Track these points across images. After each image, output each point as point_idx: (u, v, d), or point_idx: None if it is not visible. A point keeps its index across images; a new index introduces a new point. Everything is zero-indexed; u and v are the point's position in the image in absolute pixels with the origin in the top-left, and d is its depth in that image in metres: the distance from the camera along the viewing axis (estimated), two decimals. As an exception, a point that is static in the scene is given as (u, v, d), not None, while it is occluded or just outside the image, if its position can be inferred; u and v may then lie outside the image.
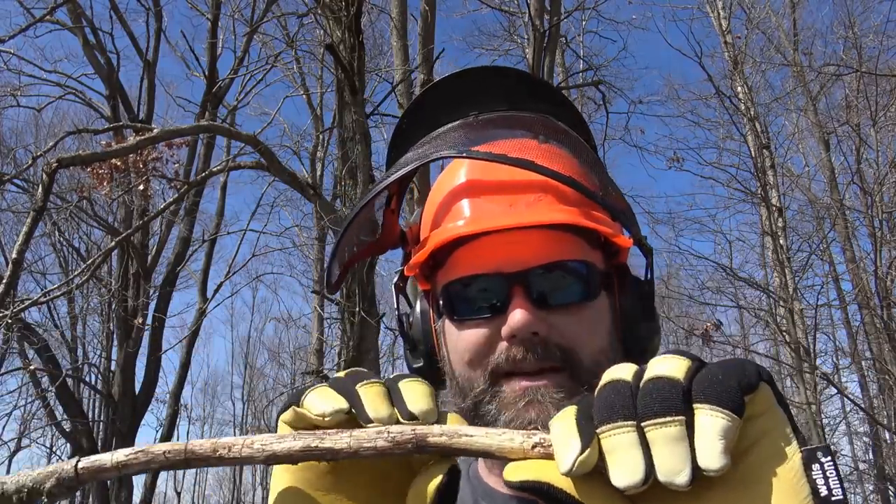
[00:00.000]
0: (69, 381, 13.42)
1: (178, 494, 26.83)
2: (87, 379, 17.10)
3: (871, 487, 12.80)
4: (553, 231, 0.80)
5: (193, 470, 32.18)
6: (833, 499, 0.48)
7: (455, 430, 0.56)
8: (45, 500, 0.61)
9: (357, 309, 6.16)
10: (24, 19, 11.76)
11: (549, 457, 0.52)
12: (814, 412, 9.59)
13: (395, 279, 0.97)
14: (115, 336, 14.61)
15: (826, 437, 10.24)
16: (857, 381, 13.57)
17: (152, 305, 13.22)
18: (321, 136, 15.82)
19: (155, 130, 7.04)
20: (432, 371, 0.90)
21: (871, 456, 13.67)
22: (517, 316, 0.76)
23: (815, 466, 0.49)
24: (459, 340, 0.83)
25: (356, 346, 6.24)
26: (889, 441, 12.14)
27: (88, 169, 9.05)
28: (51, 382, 12.46)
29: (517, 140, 0.84)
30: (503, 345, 0.79)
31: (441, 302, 0.86)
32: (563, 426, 0.52)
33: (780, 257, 10.93)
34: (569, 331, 0.79)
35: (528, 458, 0.54)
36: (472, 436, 0.56)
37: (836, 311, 13.73)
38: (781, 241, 11.05)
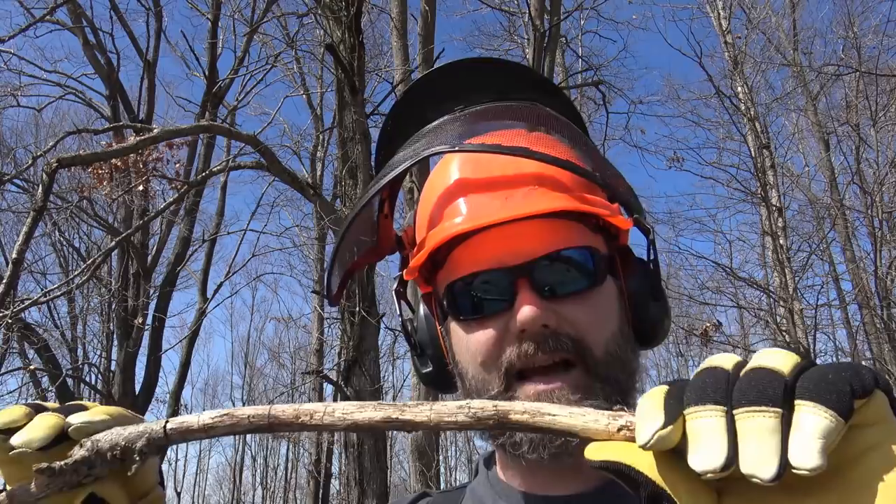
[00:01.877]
0: (69, 381, 13.40)
1: (178, 494, 26.84)
2: (87, 379, 17.07)
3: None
4: (552, 219, 0.78)
5: (193, 470, 32.24)
6: None
7: (538, 409, 0.54)
8: (138, 457, 0.64)
9: (357, 309, 6.16)
10: (24, 19, 11.77)
11: (635, 440, 0.50)
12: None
13: (395, 285, 0.95)
14: (115, 336, 14.60)
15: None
16: (857, 381, 13.56)
17: (152, 305, 13.22)
18: (321, 136, 15.85)
19: (155, 130, 7.04)
20: (442, 375, 0.89)
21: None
22: (526, 310, 0.75)
23: None
24: (470, 342, 0.81)
25: (356, 346, 6.25)
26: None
27: (89, 169, 9.06)
28: (51, 382, 12.45)
29: (508, 130, 0.82)
30: (514, 341, 0.77)
31: (445, 303, 0.84)
32: (650, 403, 0.49)
33: (780, 257, 10.93)
34: (578, 320, 0.77)
35: (613, 441, 0.51)
36: (555, 415, 0.54)
37: (836, 311, 13.73)
38: (781, 241, 11.05)
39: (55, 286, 10.43)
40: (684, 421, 0.47)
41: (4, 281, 5.81)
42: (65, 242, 17.07)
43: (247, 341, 28.23)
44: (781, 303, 10.66)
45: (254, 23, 12.79)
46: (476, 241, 0.79)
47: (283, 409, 0.61)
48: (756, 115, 12.32)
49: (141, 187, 9.37)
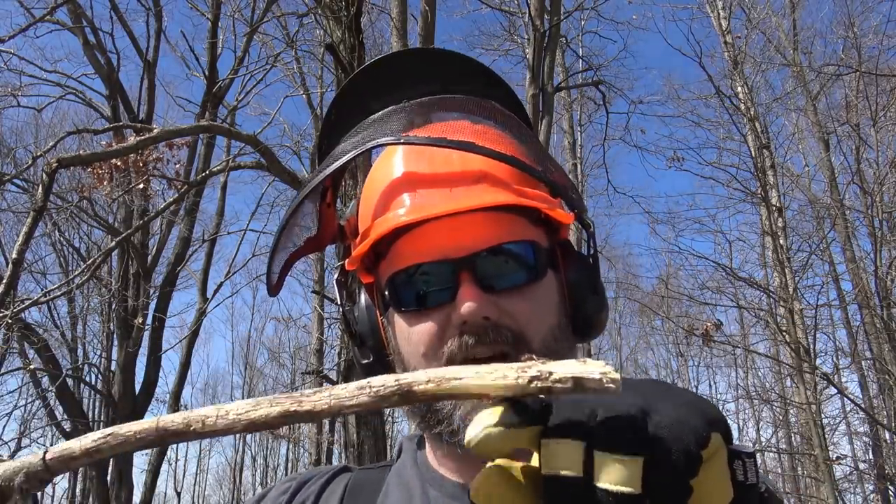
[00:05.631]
0: (69, 381, 13.41)
1: (178, 494, 26.84)
2: (87, 379, 17.09)
3: (871, 487, 12.80)
4: (495, 213, 0.79)
5: (193, 470, 32.24)
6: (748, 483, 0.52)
7: (442, 375, 0.51)
8: (18, 497, 0.57)
9: (357, 309, 6.16)
10: (24, 19, 11.77)
11: (550, 391, 0.48)
12: (814, 412, 9.58)
13: (336, 274, 0.95)
14: (115, 336, 14.60)
15: (826, 436, 10.22)
16: (857, 381, 13.58)
17: (152, 305, 13.22)
18: (321, 136, 15.81)
19: (155, 130, 7.04)
20: (382, 366, 0.88)
21: (871, 456, 13.67)
22: (467, 303, 0.76)
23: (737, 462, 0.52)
24: (412, 333, 0.81)
25: (356, 346, 6.24)
26: (889, 441, 12.14)
27: (89, 169, 9.06)
28: (51, 382, 12.46)
29: (452, 122, 0.82)
30: (455, 333, 0.78)
31: (387, 294, 0.84)
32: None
33: (780, 257, 10.92)
34: (518, 313, 0.78)
35: (528, 395, 0.49)
36: (461, 378, 0.50)
37: (836, 311, 13.73)
38: (781, 241, 11.04)
39: (55, 286, 10.43)
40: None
41: (4, 281, 5.80)
42: (65, 242, 17.08)
43: (247, 341, 28.24)
44: (781, 303, 10.65)
45: (254, 23, 12.78)
46: (419, 232, 0.79)
47: (172, 420, 0.56)
48: (756, 115, 12.31)
49: (141, 187, 9.36)
